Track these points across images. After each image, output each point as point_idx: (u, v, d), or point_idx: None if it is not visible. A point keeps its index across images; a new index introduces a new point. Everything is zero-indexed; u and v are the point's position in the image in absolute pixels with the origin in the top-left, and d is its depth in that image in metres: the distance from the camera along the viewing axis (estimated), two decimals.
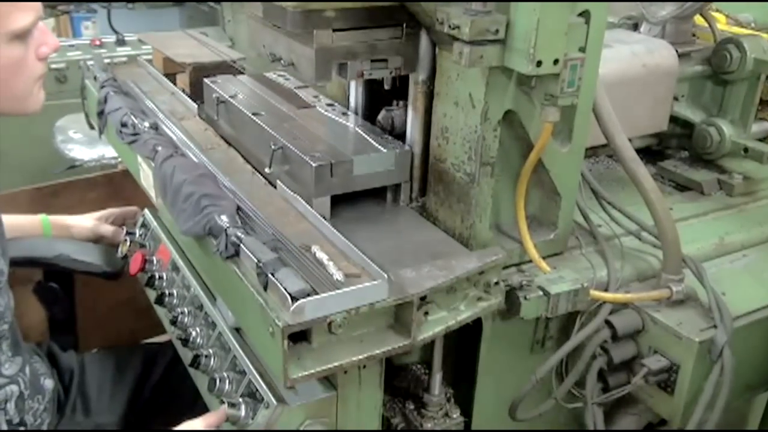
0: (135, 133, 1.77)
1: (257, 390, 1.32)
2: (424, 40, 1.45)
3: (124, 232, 1.91)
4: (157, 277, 1.73)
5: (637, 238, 1.68)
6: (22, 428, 1.63)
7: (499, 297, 1.38)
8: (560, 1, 1.19)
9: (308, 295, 1.13)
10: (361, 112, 1.72)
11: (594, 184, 1.74)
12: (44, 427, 1.71)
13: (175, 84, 2.17)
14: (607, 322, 1.47)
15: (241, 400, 1.33)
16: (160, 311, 1.71)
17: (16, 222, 1.93)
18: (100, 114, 2.03)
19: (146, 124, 1.80)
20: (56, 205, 2.56)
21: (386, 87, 1.58)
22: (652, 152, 2.10)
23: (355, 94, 1.73)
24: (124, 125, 1.81)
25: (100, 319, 2.36)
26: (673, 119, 2.02)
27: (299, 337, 1.17)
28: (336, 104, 1.77)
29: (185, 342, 1.54)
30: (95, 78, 2.16)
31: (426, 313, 1.29)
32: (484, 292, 1.37)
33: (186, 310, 1.60)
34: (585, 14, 1.30)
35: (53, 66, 3.38)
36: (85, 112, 2.31)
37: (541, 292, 1.40)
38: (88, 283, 2.09)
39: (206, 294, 1.56)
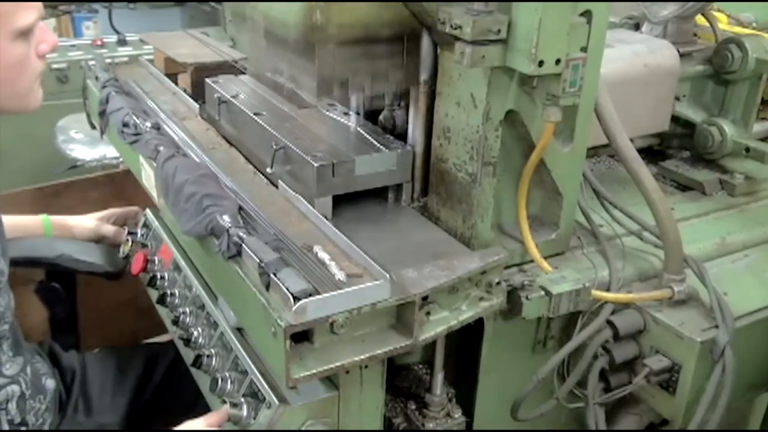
0: (137, 133, 1.77)
1: (259, 390, 1.32)
2: (425, 40, 1.45)
3: (126, 232, 1.91)
4: (158, 277, 1.74)
5: (639, 238, 1.68)
6: (23, 428, 1.63)
7: (501, 297, 1.38)
8: (562, 1, 1.19)
9: (310, 295, 1.13)
10: (362, 112, 1.72)
11: (595, 184, 1.74)
12: (46, 427, 1.71)
13: (176, 84, 2.17)
14: (609, 322, 1.47)
15: (242, 399, 1.33)
16: (162, 311, 1.71)
17: (17, 222, 1.93)
18: (102, 114, 2.03)
19: (148, 124, 1.80)
20: (57, 205, 2.56)
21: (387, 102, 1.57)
22: (653, 152, 2.10)
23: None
24: (125, 125, 1.81)
25: (102, 319, 2.36)
26: (675, 119, 2.02)
27: (301, 337, 1.17)
28: (337, 104, 1.77)
29: (187, 342, 1.54)
30: (97, 78, 2.16)
31: (428, 313, 1.29)
32: (486, 292, 1.37)
33: (188, 310, 1.60)
34: (587, 14, 1.30)
35: (54, 66, 3.39)
36: (87, 112, 2.32)
37: (542, 292, 1.40)
38: (89, 283, 2.09)
39: (208, 294, 1.56)
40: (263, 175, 1.61)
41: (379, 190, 1.55)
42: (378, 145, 1.53)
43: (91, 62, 2.32)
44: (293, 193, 1.49)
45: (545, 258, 1.48)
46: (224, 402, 1.34)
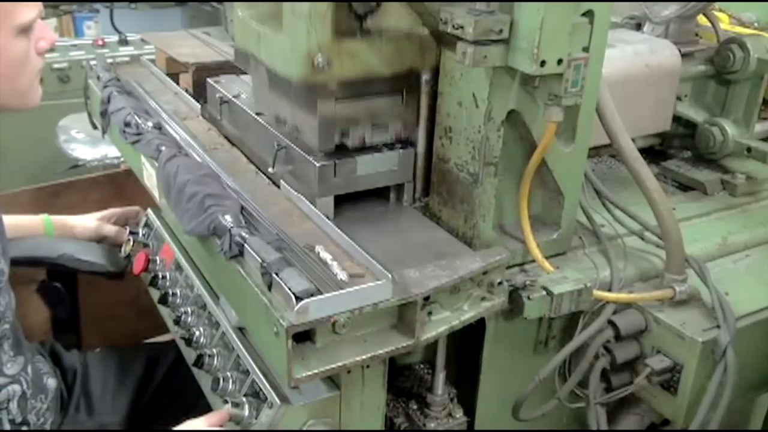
0: (138, 133, 1.77)
1: (260, 389, 1.32)
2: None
3: (128, 231, 1.91)
4: (160, 276, 1.74)
5: (640, 238, 1.68)
6: (24, 428, 1.64)
7: (503, 297, 1.38)
8: (564, 1, 1.19)
9: (312, 295, 1.13)
10: None
11: (597, 184, 1.74)
12: (47, 427, 1.71)
13: (178, 84, 2.17)
14: (610, 322, 1.47)
15: (244, 399, 1.33)
16: (164, 311, 1.72)
17: (17, 222, 1.93)
18: (103, 114, 2.03)
19: (149, 123, 1.80)
20: (58, 205, 2.56)
21: None
22: (654, 152, 2.10)
23: None
24: (127, 125, 1.81)
25: (104, 319, 2.36)
26: (676, 119, 2.02)
27: (303, 336, 1.17)
28: None
29: (188, 341, 1.54)
30: (98, 78, 2.16)
31: (429, 313, 1.29)
32: (488, 292, 1.37)
33: (189, 309, 1.60)
34: (589, 14, 1.30)
35: (56, 66, 3.40)
36: (88, 112, 2.32)
37: (544, 292, 1.40)
38: (91, 283, 2.09)
39: (209, 293, 1.57)
40: (265, 175, 1.61)
41: (381, 190, 1.55)
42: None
43: (93, 62, 2.32)
44: (295, 193, 1.49)
45: (547, 258, 1.48)
46: (226, 402, 1.34)
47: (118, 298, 2.45)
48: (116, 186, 2.72)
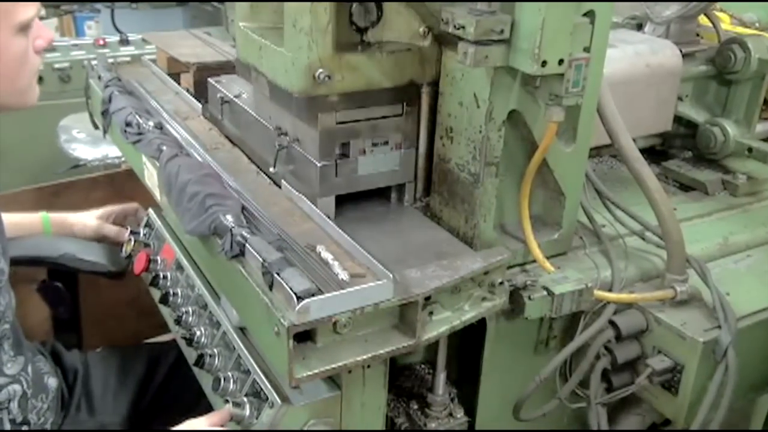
0: (139, 133, 1.77)
1: (261, 389, 1.32)
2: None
3: (128, 231, 1.91)
4: (161, 276, 1.74)
5: (641, 238, 1.68)
6: (25, 427, 1.64)
7: (504, 297, 1.38)
8: (565, 1, 1.19)
9: (313, 294, 1.13)
10: None
11: (598, 184, 1.74)
12: (48, 426, 1.71)
13: (179, 83, 2.17)
14: (611, 323, 1.47)
15: (245, 399, 1.33)
16: (165, 310, 1.72)
17: (15, 220, 1.93)
18: (105, 113, 2.03)
19: (151, 123, 1.80)
20: (59, 205, 2.56)
21: None
22: (655, 152, 2.10)
23: None
24: (128, 125, 1.81)
25: (104, 319, 2.36)
26: (677, 119, 2.02)
27: (304, 336, 1.17)
28: None
29: (189, 341, 1.54)
30: (99, 77, 2.16)
31: (430, 313, 1.29)
32: (489, 292, 1.37)
33: (190, 309, 1.60)
34: (590, 14, 1.30)
35: (57, 66, 3.39)
36: (89, 112, 2.32)
37: (545, 292, 1.40)
38: (92, 283, 2.09)
39: (210, 293, 1.57)
40: (266, 174, 1.61)
41: (382, 189, 1.55)
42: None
43: (94, 62, 2.32)
44: (296, 193, 1.49)
45: (548, 258, 1.48)
46: (227, 402, 1.34)
47: (119, 297, 2.45)
48: (117, 186, 2.72)
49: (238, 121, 1.77)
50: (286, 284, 1.14)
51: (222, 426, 1.33)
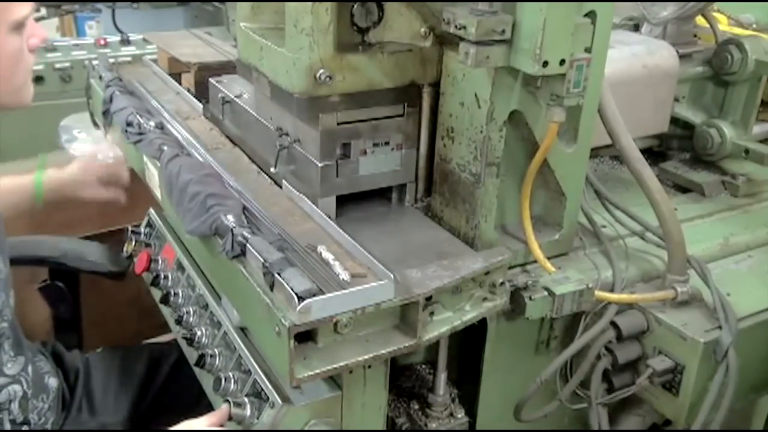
0: (140, 133, 1.77)
1: (262, 389, 1.32)
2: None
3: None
4: (162, 276, 1.74)
5: (641, 239, 1.68)
6: (25, 427, 1.64)
7: (504, 297, 1.38)
8: (567, 2, 1.19)
9: (314, 294, 1.13)
10: None
11: (597, 184, 1.74)
12: (48, 426, 1.71)
13: (180, 83, 2.17)
14: (612, 323, 1.47)
15: (246, 399, 1.33)
16: (165, 311, 1.72)
17: (6, 186, 1.88)
18: (105, 113, 2.03)
19: (152, 123, 1.81)
20: (61, 204, 2.56)
21: None
22: (653, 153, 2.09)
23: None
24: (129, 124, 1.81)
25: (105, 319, 2.36)
26: (674, 120, 2.01)
27: (305, 336, 1.18)
28: None
29: (190, 341, 1.54)
30: (100, 77, 2.17)
31: (431, 314, 1.29)
32: (489, 293, 1.37)
33: (191, 309, 1.60)
34: (591, 15, 1.30)
35: (58, 65, 3.39)
36: (90, 112, 2.32)
37: (546, 293, 1.40)
38: (93, 283, 2.10)
39: (211, 293, 1.57)
40: (267, 174, 1.62)
41: (383, 190, 1.55)
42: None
43: (95, 62, 2.32)
44: (297, 193, 1.50)
45: (548, 258, 1.48)
46: (227, 402, 1.34)
47: (120, 297, 2.45)
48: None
49: (239, 121, 1.77)
50: (287, 284, 1.14)
51: (221, 425, 1.33)
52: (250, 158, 1.71)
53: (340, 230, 1.34)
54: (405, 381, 1.56)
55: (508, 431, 1.60)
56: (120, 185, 2.04)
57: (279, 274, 1.17)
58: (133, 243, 1.88)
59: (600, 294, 1.45)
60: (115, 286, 2.07)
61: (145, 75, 2.27)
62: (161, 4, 3.69)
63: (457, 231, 1.47)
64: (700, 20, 2.11)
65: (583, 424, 1.56)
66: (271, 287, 1.18)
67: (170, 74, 2.23)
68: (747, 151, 1.92)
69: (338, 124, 1.43)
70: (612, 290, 1.50)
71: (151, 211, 1.91)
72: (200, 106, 1.96)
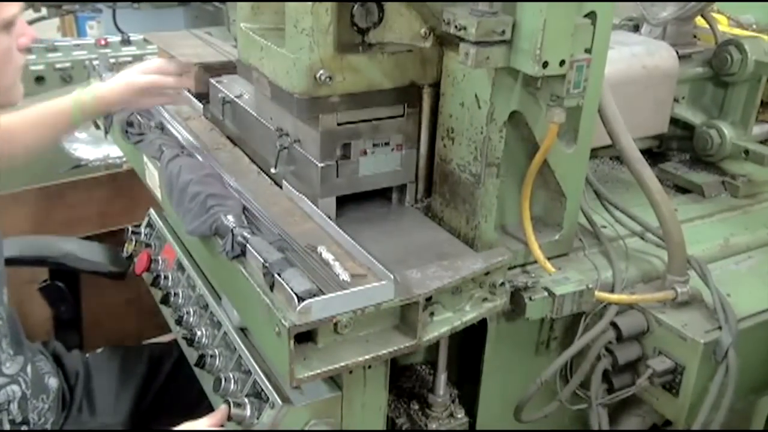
0: (141, 133, 1.77)
1: (262, 390, 1.32)
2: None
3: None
4: (162, 276, 1.74)
5: (641, 239, 1.68)
6: (25, 427, 1.64)
7: (504, 298, 1.38)
8: (567, 2, 1.19)
9: (314, 295, 1.14)
10: None
11: (596, 185, 1.74)
12: (48, 426, 1.71)
13: None
14: (612, 324, 1.47)
15: (246, 399, 1.33)
16: (166, 311, 1.72)
17: (44, 111, 1.79)
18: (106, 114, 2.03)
19: (152, 123, 1.81)
20: (61, 205, 2.57)
21: None
22: (652, 154, 2.09)
23: None
24: (129, 125, 1.81)
25: (106, 319, 2.37)
26: (674, 121, 2.01)
27: (305, 337, 1.18)
28: None
29: (190, 342, 1.54)
30: (101, 77, 2.16)
31: (431, 314, 1.29)
32: (490, 293, 1.37)
33: (191, 309, 1.60)
34: (591, 15, 1.30)
35: (58, 66, 3.39)
36: None
37: (546, 293, 1.40)
38: (93, 283, 2.10)
39: (211, 294, 1.57)
40: (267, 175, 1.62)
41: (383, 190, 1.55)
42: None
43: (95, 62, 2.32)
44: (297, 194, 1.50)
45: (548, 259, 1.48)
46: (227, 402, 1.34)
47: (120, 298, 2.46)
48: (118, 186, 2.72)
49: (239, 122, 1.78)
50: (287, 285, 1.15)
51: (221, 425, 1.33)
52: (250, 158, 1.71)
53: (340, 230, 1.34)
54: (405, 381, 1.56)
55: (508, 431, 1.60)
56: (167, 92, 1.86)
57: (279, 275, 1.17)
58: (134, 243, 1.89)
59: (600, 294, 1.45)
60: (115, 286, 2.07)
61: None
62: (162, 5, 3.69)
63: (457, 231, 1.47)
64: (699, 21, 2.11)
65: (584, 425, 1.56)
66: (271, 287, 1.18)
67: None
68: (747, 152, 1.92)
69: (338, 124, 1.43)
70: (612, 291, 1.50)
71: (151, 211, 1.91)
72: (200, 106, 1.96)
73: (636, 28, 2.13)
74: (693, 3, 1.94)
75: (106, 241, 2.12)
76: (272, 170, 1.57)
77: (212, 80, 1.90)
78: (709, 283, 1.50)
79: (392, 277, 1.20)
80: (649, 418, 1.65)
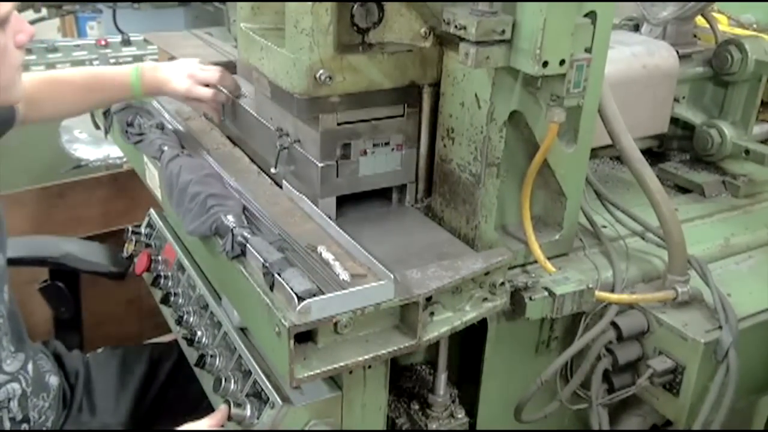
0: (141, 133, 1.77)
1: (262, 390, 1.32)
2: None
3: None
4: (162, 276, 1.74)
5: (642, 239, 1.68)
6: (25, 425, 1.64)
7: (505, 298, 1.38)
8: (567, 2, 1.19)
9: (314, 295, 1.14)
10: None
11: (597, 185, 1.74)
12: (48, 425, 1.71)
13: None
14: (613, 323, 1.47)
15: (246, 399, 1.33)
16: (166, 311, 1.72)
17: (103, 74, 1.82)
18: (106, 114, 2.03)
19: (152, 123, 1.80)
20: (62, 205, 2.57)
21: None
22: (652, 154, 2.09)
23: None
24: (130, 125, 1.81)
25: (106, 319, 2.37)
26: (674, 121, 2.01)
27: (305, 337, 1.18)
28: None
29: (191, 342, 1.54)
30: None
31: (431, 314, 1.29)
32: (490, 293, 1.37)
33: (191, 309, 1.61)
34: (591, 15, 1.30)
35: (59, 66, 3.39)
36: (91, 112, 2.32)
37: (546, 293, 1.40)
38: (93, 283, 2.10)
39: (212, 294, 1.57)
40: (267, 175, 1.62)
41: (383, 190, 1.55)
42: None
43: (96, 62, 2.32)
44: (297, 194, 1.50)
45: (549, 259, 1.48)
46: (227, 402, 1.34)
47: (120, 298, 2.46)
48: (119, 186, 2.73)
49: (239, 122, 1.78)
50: (287, 284, 1.15)
51: (221, 425, 1.33)
52: (250, 159, 1.71)
53: (341, 230, 1.34)
54: (405, 381, 1.56)
55: (508, 431, 1.60)
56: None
57: (279, 275, 1.17)
58: (134, 243, 1.89)
59: (600, 294, 1.45)
60: (116, 287, 2.07)
61: None
62: (162, 5, 3.69)
63: (457, 231, 1.47)
64: (700, 20, 2.11)
65: (584, 425, 1.56)
66: (271, 287, 1.18)
67: None
68: (747, 152, 1.92)
69: (338, 124, 1.44)
70: (612, 291, 1.50)
71: (152, 211, 1.91)
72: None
73: (636, 28, 2.13)
74: (693, 3, 1.94)
75: (107, 242, 2.12)
76: (272, 170, 1.57)
77: None
78: (710, 283, 1.50)
79: (392, 276, 1.20)
80: (650, 418, 1.65)
